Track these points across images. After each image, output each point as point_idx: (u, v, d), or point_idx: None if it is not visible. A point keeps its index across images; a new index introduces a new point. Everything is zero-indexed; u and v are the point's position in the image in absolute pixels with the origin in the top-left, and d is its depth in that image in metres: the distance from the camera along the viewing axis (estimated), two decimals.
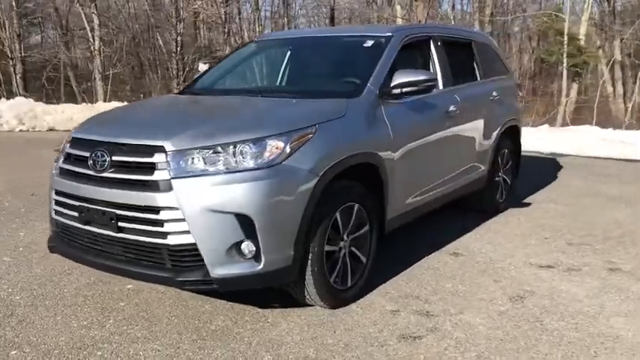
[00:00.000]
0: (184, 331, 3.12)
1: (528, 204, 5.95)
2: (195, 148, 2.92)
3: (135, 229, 2.98)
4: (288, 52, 4.76)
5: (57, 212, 3.36)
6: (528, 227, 5.09)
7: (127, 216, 2.98)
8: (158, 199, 2.88)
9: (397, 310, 3.38)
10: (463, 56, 5.19)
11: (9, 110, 12.53)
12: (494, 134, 5.16)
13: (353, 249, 3.49)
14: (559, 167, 8.30)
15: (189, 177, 2.87)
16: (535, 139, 9.44)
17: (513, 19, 22.87)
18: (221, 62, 4.87)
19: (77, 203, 3.18)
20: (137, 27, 21.87)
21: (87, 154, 3.14)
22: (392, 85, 3.77)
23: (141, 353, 2.87)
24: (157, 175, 2.90)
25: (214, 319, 3.27)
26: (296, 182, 2.99)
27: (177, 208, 2.86)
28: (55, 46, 22.11)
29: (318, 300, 3.29)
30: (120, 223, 3.01)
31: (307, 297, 3.29)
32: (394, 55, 4.02)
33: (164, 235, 2.91)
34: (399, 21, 17.25)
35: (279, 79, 4.66)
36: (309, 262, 3.16)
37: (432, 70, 4.55)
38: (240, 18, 22.94)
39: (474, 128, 4.87)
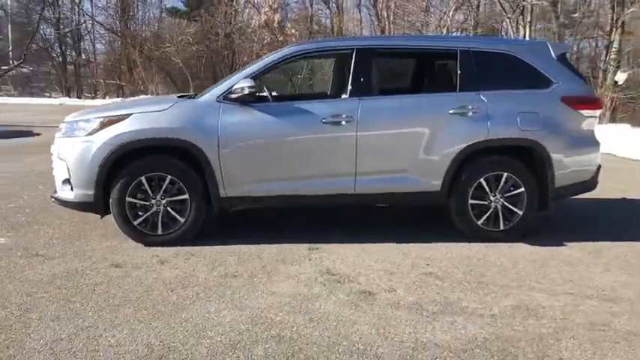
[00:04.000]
0: (63, 238, 5.24)
1: (556, 244, 4.99)
2: (71, 121, 5.03)
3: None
4: None
5: None
6: (455, 262, 4.67)
7: None
8: (52, 149, 5.14)
9: (156, 256, 4.59)
10: (424, 67, 5.16)
11: None
12: (452, 150, 4.87)
13: (169, 209, 4.83)
14: None
15: (60, 138, 5.02)
16: None
17: None
18: None
19: None
20: None
21: None
22: (232, 90, 4.79)
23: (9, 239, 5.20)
24: (56, 135, 5.15)
25: (92, 231, 5.27)
26: (95, 147, 4.69)
27: (52, 154, 5.07)
28: None
29: (125, 234, 4.87)
30: None
31: None
32: (264, 66, 4.90)
33: (54, 169, 5.16)
34: None
35: None
36: (111, 205, 4.79)
37: (347, 80, 4.98)
38: None
39: (397, 137, 4.86)
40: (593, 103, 5.19)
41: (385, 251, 4.74)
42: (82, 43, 34.87)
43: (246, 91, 4.62)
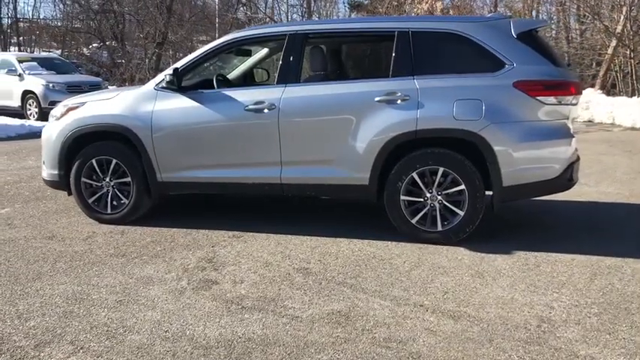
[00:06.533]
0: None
1: (497, 252, 4.34)
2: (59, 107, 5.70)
3: None
4: None
5: None
6: (351, 260, 4.35)
7: None
8: None
9: (92, 232, 5.05)
10: (359, 52, 4.86)
11: None
12: (377, 141, 4.49)
13: (116, 190, 5.26)
14: None
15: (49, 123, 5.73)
16: None
17: None
18: None
19: None
20: None
21: None
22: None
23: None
24: None
25: None
26: (57, 130, 5.27)
27: None
28: None
29: (82, 211, 5.42)
30: None
31: None
32: (194, 58, 5.05)
33: None
34: None
35: None
36: (70, 184, 5.36)
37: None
38: None
39: (320, 127, 4.64)
40: (559, 88, 4.36)
41: (297, 244, 4.58)
42: None
43: (167, 79, 4.80)
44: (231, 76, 6.02)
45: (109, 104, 5.10)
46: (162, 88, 4.95)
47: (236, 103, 4.77)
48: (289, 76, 4.73)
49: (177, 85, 4.81)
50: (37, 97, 13.98)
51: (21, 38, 37.49)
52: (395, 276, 3.90)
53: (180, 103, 4.89)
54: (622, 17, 19.02)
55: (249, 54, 5.76)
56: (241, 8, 36.56)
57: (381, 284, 3.76)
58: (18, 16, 37.11)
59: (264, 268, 4.06)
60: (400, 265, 4.11)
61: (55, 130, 5.25)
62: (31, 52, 28.24)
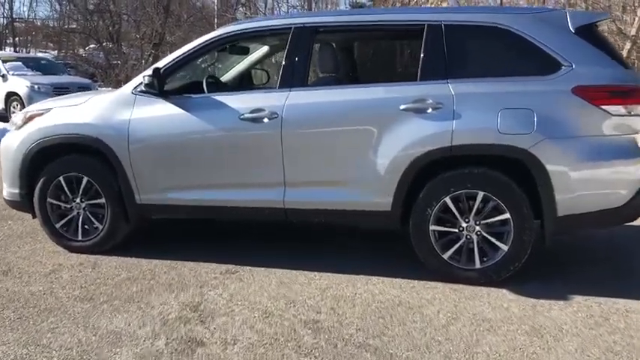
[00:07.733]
0: None
1: (554, 297, 3.52)
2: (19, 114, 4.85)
3: None
4: None
5: None
6: (372, 309, 3.51)
7: None
8: None
9: (58, 264, 4.21)
10: (380, 50, 4.02)
11: None
12: (403, 158, 3.67)
13: (88, 213, 4.41)
14: None
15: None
16: None
17: None
18: None
19: None
20: None
21: None
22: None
23: None
24: None
25: None
26: (17, 142, 4.39)
27: None
28: None
29: (48, 236, 4.57)
30: None
31: None
32: (187, 53, 4.21)
33: None
34: None
35: None
36: (34, 205, 4.49)
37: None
38: None
39: (332, 140, 3.82)
40: (629, 96, 3.54)
41: (304, 284, 3.77)
42: None
43: (147, 81, 3.98)
44: (225, 78, 5.20)
45: (77, 111, 4.28)
46: (141, 92, 4.10)
47: (230, 111, 3.95)
48: (294, 78, 3.91)
49: (158, 88, 3.98)
50: (21, 99, 13.12)
51: (17, 39, 36.67)
52: (430, 333, 3.06)
53: (163, 110, 4.07)
54: (636, 19, 18.28)
55: (246, 52, 4.91)
56: (240, 8, 35.71)
57: (414, 347, 2.92)
58: (14, 16, 36.30)
59: (263, 321, 3.22)
60: (434, 316, 3.27)
61: (15, 141, 4.43)
62: (27, 53, 27.40)
